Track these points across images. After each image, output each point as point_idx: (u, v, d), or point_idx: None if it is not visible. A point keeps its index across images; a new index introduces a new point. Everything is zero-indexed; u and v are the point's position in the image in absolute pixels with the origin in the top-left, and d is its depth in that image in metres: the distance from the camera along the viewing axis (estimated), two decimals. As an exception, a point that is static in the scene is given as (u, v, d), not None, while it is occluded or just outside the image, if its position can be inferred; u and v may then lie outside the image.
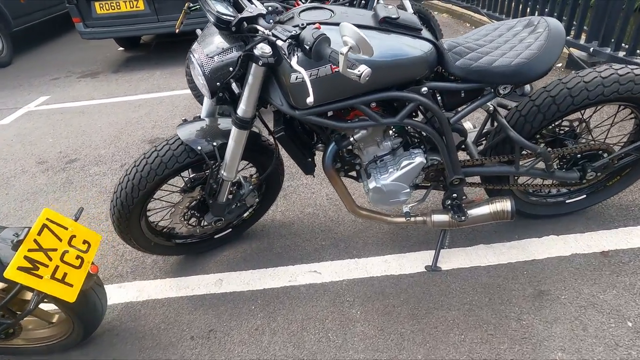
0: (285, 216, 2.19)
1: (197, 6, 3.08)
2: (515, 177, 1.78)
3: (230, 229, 1.99)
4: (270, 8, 3.08)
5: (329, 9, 1.32)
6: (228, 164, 1.52)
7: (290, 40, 1.07)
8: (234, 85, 1.31)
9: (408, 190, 1.59)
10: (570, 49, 3.37)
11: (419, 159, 1.51)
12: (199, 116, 1.62)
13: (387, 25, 1.27)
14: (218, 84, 1.31)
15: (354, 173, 1.69)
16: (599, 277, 1.64)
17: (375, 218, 1.72)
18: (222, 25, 1.21)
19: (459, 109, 1.46)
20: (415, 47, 1.29)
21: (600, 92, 1.47)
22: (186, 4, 2.26)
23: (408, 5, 3.06)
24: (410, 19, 1.30)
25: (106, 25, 4.68)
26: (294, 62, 1.05)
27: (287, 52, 1.07)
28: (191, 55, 1.35)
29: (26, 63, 5.65)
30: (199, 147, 1.49)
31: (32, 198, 2.59)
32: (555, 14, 3.62)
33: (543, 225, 1.91)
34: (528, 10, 4.00)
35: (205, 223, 1.75)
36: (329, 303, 1.68)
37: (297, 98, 1.28)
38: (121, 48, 5.77)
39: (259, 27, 1.18)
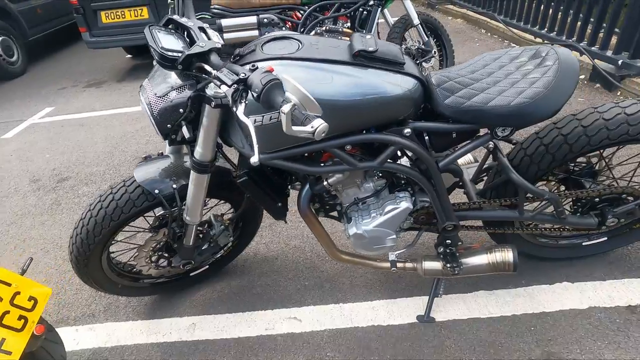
0: (269, 249, 2.03)
1: (202, 14, 2.97)
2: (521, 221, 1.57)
3: (208, 266, 1.85)
4: (265, 20, 2.90)
5: (296, 40, 1.15)
6: (190, 208, 1.37)
7: (236, 85, 0.91)
8: (185, 129, 1.16)
9: (394, 236, 1.40)
10: (595, 60, 3.07)
11: (404, 204, 1.33)
12: (162, 153, 1.47)
13: (363, 59, 1.09)
14: (169, 125, 1.16)
15: (335, 213, 1.51)
16: (626, 341, 1.40)
17: (359, 263, 1.54)
18: (167, 63, 1.05)
19: (450, 150, 1.27)
20: (396, 84, 1.10)
21: (624, 132, 1.24)
22: None
23: (414, 15, 2.85)
24: (391, 51, 1.11)
25: (111, 34, 4.64)
26: (240, 111, 0.89)
27: (231, 99, 0.90)
28: (140, 94, 1.20)
29: (39, 72, 5.68)
30: (157, 191, 1.34)
31: (19, 221, 2.51)
32: (581, 15, 3.29)
33: (555, 269, 1.69)
34: (550, 13, 3.69)
35: (175, 265, 1.61)
36: (308, 358, 1.51)
37: (261, 141, 1.11)
38: (129, 55, 5.73)
39: (206, 67, 1.02)
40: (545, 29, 3.78)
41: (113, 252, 1.62)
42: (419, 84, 1.14)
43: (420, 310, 1.61)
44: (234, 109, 0.90)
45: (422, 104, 1.18)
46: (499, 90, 1.15)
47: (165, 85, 1.16)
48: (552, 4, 3.68)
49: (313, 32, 2.55)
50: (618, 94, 2.91)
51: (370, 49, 1.08)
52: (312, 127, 0.80)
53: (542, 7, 3.80)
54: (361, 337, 1.55)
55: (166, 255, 1.61)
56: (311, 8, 2.65)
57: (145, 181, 1.35)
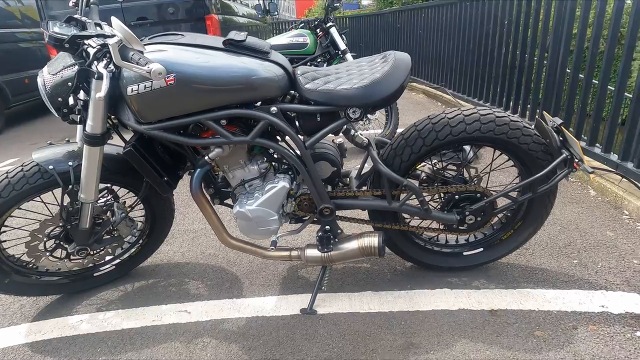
0: (184, 257, 2.09)
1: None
2: (403, 216, 1.73)
3: (114, 267, 1.88)
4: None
5: (181, 34, 1.42)
6: (84, 184, 1.46)
7: (99, 46, 1.20)
8: (71, 98, 1.35)
9: (276, 217, 1.53)
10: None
11: (282, 183, 1.50)
12: (68, 140, 1.63)
13: (232, 47, 1.37)
14: (60, 99, 1.37)
15: (230, 201, 1.66)
16: (478, 335, 1.47)
17: (248, 250, 1.64)
18: (56, 43, 1.27)
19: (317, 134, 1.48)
20: (263, 69, 1.36)
21: (462, 129, 1.50)
22: None
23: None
24: (257, 42, 1.39)
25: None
26: (101, 65, 1.18)
27: (92, 57, 1.21)
28: (37, 78, 1.43)
29: (16, 133, 5.85)
30: (51, 166, 1.46)
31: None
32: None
33: (440, 278, 1.79)
34: (505, 98, 3.93)
35: (70, 251, 1.63)
36: (183, 344, 1.51)
37: (141, 111, 1.32)
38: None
39: (86, 42, 1.26)
40: (484, 101, 4.31)
41: (4, 242, 1.63)
42: (283, 71, 1.40)
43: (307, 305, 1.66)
44: (96, 65, 1.19)
45: (288, 89, 1.44)
46: (348, 78, 1.42)
47: (58, 66, 1.41)
48: (490, 81, 4.17)
49: None
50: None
51: (238, 38, 1.36)
52: (148, 67, 1.04)
53: (479, 83, 4.39)
54: (242, 326, 1.58)
55: (63, 244, 1.64)
56: None
57: (42, 159, 1.47)
